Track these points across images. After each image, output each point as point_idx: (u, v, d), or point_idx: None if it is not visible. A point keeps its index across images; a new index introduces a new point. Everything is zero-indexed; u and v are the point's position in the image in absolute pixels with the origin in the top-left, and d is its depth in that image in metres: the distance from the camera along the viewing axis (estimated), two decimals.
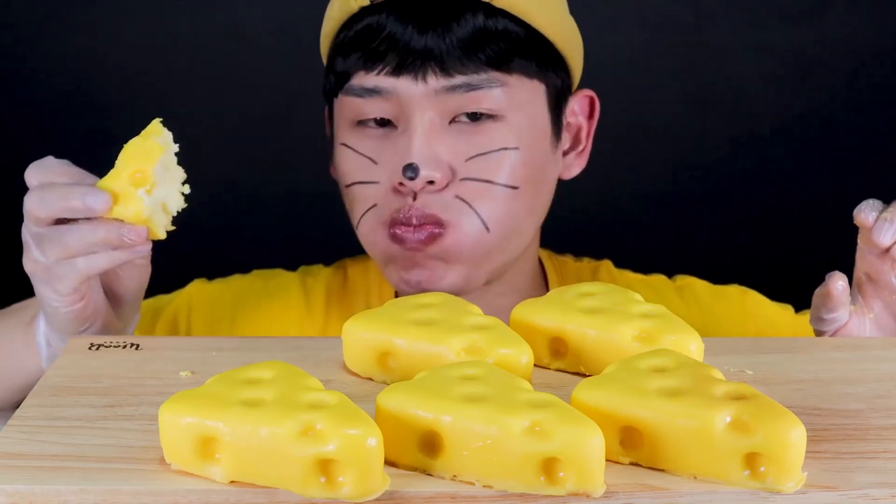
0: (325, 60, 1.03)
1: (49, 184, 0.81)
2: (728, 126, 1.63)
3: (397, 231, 0.96)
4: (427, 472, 0.63)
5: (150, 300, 1.10)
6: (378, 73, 0.95)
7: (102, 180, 0.79)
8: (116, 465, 0.64)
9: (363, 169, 0.98)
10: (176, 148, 0.79)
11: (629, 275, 1.15)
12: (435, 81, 0.94)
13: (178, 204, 0.80)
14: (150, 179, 0.78)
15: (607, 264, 1.15)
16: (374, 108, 0.96)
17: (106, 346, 0.80)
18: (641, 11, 1.59)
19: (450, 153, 0.95)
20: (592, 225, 1.50)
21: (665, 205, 1.65)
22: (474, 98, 0.95)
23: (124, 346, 0.80)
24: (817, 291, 0.86)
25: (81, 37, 1.57)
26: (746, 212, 1.65)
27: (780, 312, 1.12)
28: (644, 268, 1.17)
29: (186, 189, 0.80)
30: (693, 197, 1.64)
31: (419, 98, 0.94)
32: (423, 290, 0.95)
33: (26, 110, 1.57)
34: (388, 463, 0.63)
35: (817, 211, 1.61)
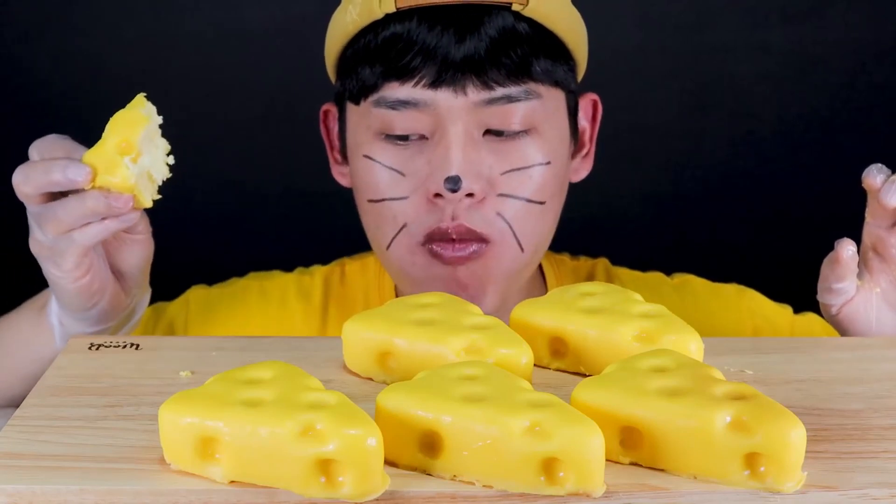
0: (334, 62, 1.00)
1: (33, 161, 0.83)
2: (728, 126, 1.63)
3: (435, 247, 0.95)
4: (427, 472, 0.63)
5: (151, 307, 1.10)
6: (415, 86, 0.94)
7: (89, 151, 0.80)
8: (116, 465, 0.64)
9: (392, 183, 0.96)
10: (160, 120, 0.81)
11: (626, 272, 1.15)
12: (475, 94, 0.93)
13: (164, 174, 0.82)
14: (135, 148, 0.79)
15: (604, 262, 1.15)
16: (407, 121, 0.94)
17: (106, 346, 0.80)
18: (641, 11, 1.59)
19: (485, 166, 0.94)
20: (592, 224, 1.50)
21: (665, 205, 1.65)
22: (510, 111, 0.94)
23: (124, 346, 0.80)
24: (826, 260, 0.87)
25: (81, 37, 1.57)
26: (746, 212, 1.65)
27: (779, 312, 1.12)
28: (644, 267, 1.17)
29: (171, 160, 0.82)
30: (693, 197, 1.64)
31: (457, 110, 0.93)
32: None
33: (26, 110, 1.57)
34: (388, 463, 0.63)
35: (817, 211, 1.61)
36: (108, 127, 0.80)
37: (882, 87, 1.61)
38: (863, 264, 0.89)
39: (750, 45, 1.59)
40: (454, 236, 0.94)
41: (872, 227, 0.88)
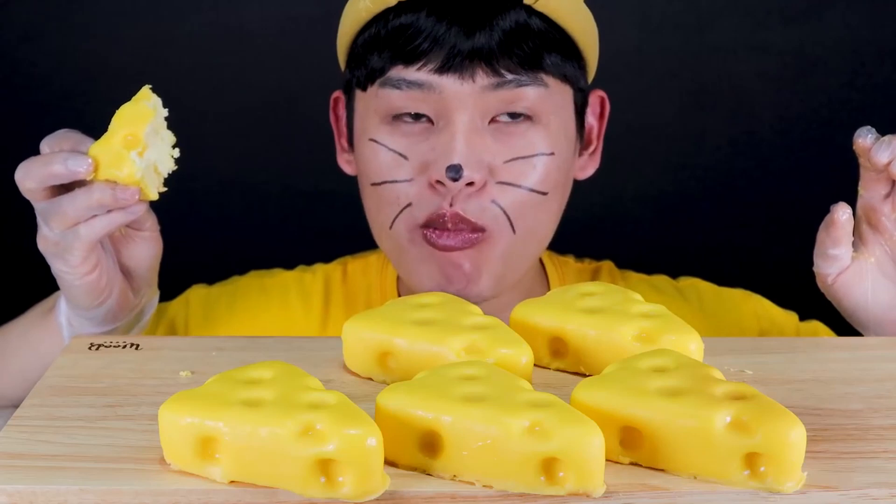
0: (345, 51, 1.01)
1: (34, 156, 0.83)
2: (728, 126, 1.63)
3: (429, 233, 0.95)
4: (427, 472, 0.63)
5: None
6: (419, 70, 0.94)
7: (95, 144, 0.80)
8: (116, 465, 0.64)
9: (395, 166, 0.96)
10: (165, 112, 0.81)
11: (631, 275, 1.15)
12: (483, 80, 0.93)
13: (169, 166, 0.82)
14: (141, 142, 0.79)
15: (609, 265, 1.15)
16: (412, 102, 0.95)
17: (106, 346, 0.80)
18: (641, 11, 1.59)
19: (489, 154, 0.94)
20: (592, 225, 1.50)
21: (665, 205, 1.65)
22: (518, 95, 0.94)
23: (124, 346, 0.80)
24: (822, 225, 0.88)
25: (81, 37, 1.57)
26: (746, 212, 1.65)
27: (785, 317, 1.12)
28: (644, 268, 1.17)
29: (176, 153, 0.82)
30: (693, 197, 1.64)
31: (464, 96, 0.94)
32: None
33: (26, 110, 1.57)
34: (388, 463, 0.63)
35: (817, 211, 1.60)
36: (113, 120, 0.80)
37: (882, 87, 1.61)
38: (857, 237, 0.90)
39: (750, 45, 1.59)
40: (449, 225, 0.94)
41: (865, 198, 0.89)
